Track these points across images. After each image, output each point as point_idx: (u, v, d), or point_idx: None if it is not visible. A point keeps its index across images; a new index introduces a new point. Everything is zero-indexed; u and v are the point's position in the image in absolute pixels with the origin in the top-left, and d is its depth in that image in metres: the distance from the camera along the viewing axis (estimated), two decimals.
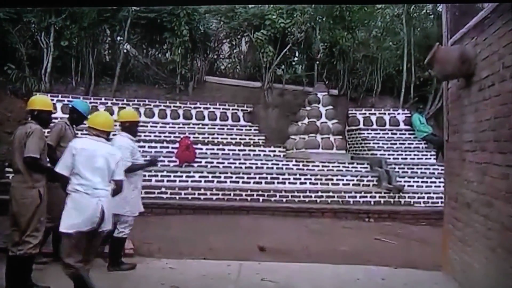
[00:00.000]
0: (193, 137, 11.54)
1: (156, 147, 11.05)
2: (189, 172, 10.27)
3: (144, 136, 11.28)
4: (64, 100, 11.73)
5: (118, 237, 5.56)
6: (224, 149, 11.47)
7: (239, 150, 11.51)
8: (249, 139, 12.21)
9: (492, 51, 4.28)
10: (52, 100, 11.58)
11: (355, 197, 10.20)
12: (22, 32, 12.48)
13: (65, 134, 5.56)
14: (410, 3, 12.80)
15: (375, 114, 13.40)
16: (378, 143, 12.50)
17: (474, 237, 4.72)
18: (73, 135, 5.57)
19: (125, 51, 13.54)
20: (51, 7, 11.42)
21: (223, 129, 12.52)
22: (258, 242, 6.96)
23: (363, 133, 12.97)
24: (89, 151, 4.27)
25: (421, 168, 11.42)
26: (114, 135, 5.46)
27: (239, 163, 10.96)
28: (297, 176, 10.62)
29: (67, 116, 6.14)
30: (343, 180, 10.68)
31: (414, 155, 12.11)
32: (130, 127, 5.81)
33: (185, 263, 6.00)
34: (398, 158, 11.93)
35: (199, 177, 10.26)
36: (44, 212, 4.71)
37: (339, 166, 11.17)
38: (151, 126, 12.06)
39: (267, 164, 11.07)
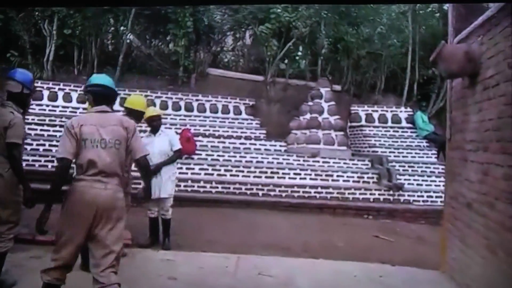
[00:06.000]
0: (194, 129, 11.51)
1: None
2: (189, 164, 10.25)
3: (145, 127, 11.24)
4: (65, 89, 11.74)
5: None
6: (225, 142, 11.43)
7: (240, 143, 11.48)
8: (250, 133, 12.18)
9: (498, 51, 4.24)
10: (54, 88, 11.71)
11: (355, 194, 10.18)
12: (25, 20, 12.41)
13: None
14: (412, 2, 12.74)
15: (377, 111, 13.38)
16: (380, 141, 12.48)
17: (474, 237, 4.70)
18: None
19: (128, 41, 13.49)
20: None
21: (225, 122, 12.47)
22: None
23: (365, 130, 12.94)
24: None
25: (422, 167, 11.39)
26: None
27: (240, 157, 10.94)
28: (297, 171, 10.59)
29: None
30: (343, 176, 10.65)
31: (415, 153, 12.09)
32: None
33: (183, 255, 6.00)
34: (399, 156, 11.90)
35: (199, 169, 10.25)
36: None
37: (339, 163, 11.13)
38: None
39: (268, 158, 11.05)
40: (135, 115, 5.89)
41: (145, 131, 6.99)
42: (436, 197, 9.94)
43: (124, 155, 3.80)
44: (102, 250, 3.59)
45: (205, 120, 12.38)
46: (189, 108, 12.56)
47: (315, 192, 10.11)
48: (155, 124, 6.71)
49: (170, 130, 7.26)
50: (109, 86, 4.00)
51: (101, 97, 3.93)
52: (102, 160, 3.64)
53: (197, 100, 12.73)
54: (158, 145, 6.48)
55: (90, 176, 3.62)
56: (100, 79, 4.05)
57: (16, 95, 4.55)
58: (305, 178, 10.51)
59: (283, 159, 11.10)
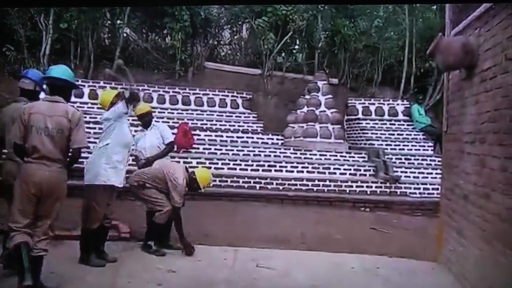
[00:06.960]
0: (192, 123, 11.50)
1: None
2: (187, 158, 10.25)
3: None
4: None
5: None
6: (222, 136, 11.44)
7: (237, 137, 11.49)
8: (248, 126, 12.18)
9: (495, 43, 4.24)
10: None
11: (352, 186, 10.22)
12: (21, 14, 12.29)
13: None
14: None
15: (374, 104, 13.39)
16: (376, 133, 12.52)
17: (470, 229, 4.72)
18: None
19: (125, 35, 13.44)
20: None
21: (222, 115, 12.47)
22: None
23: (362, 123, 12.97)
24: None
25: (418, 159, 11.45)
26: None
27: (237, 150, 10.95)
28: (295, 165, 10.61)
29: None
30: (340, 169, 10.67)
31: (412, 146, 12.14)
32: None
33: (181, 249, 6.00)
34: (395, 149, 11.95)
35: (197, 163, 10.21)
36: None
37: (336, 156, 11.16)
38: None
39: (265, 151, 11.06)
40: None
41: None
42: (433, 189, 9.99)
43: (65, 143, 4.20)
44: (41, 222, 4.15)
45: (203, 114, 12.38)
46: (186, 102, 12.55)
47: (312, 185, 10.14)
48: (146, 120, 6.66)
49: (162, 124, 7.14)
50: (63, 78, 4.33)
51: (56, 88, 4.35)
52: (44, 146, 4.10)
53: (194, 94, 12.71)
54: (149, 139, 6.47)
55: (36, 159, 4.10)
56: (57, 71, 4.39)
57: (29, 92, 4.95)
58: (302, 171, 10.54)
59: (280, 152, 11.11)
